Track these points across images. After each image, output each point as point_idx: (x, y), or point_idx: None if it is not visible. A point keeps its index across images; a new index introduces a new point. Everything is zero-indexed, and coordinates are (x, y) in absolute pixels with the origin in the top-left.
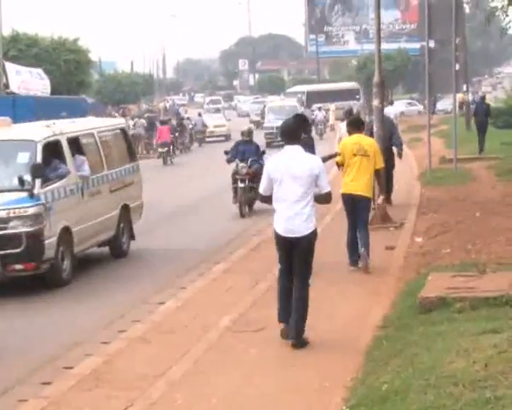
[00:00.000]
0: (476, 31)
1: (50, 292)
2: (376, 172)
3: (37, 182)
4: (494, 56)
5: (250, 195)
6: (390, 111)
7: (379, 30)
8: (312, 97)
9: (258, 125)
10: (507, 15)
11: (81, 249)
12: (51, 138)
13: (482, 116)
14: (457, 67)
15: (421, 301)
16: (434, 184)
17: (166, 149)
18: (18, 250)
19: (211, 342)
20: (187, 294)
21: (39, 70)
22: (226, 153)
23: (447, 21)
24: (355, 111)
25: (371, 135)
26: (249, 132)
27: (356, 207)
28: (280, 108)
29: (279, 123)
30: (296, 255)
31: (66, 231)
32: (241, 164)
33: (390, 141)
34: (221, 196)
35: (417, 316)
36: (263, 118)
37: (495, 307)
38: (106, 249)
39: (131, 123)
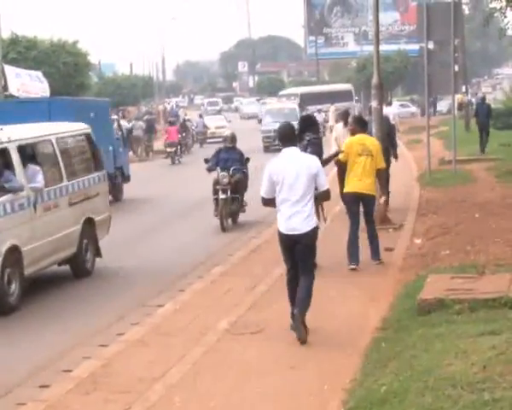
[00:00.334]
0: (475, 32)
1: None
2: (377, 171)
3: None
4: (493, 58)
5: (233, 207)
6: (389, 111)
7: (377, 32)
8: (306, 99)
9: None
10: (505, 17)
11: (34, 270)
12: None
13: (483, 117)
14: (456, 68)
15: (419, 303)
16: (434, 186)
17: (174, 148)
18: None
19: (209, 345)
20: (185, 296)
21: (38, 73)
22: (206, 161)
23: (446, 23)
24: (356, 112)
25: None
26: (232, 138)
27: (362, 205)
28: (278, 110)
29: (277, 126)
30: (299, 251)
31: (13, 251)
32: (222, 173)
33: (389, 141)
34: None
35: (416, 318)
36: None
37: (494, 308)
38: (67, 268)
39: (129, 125)
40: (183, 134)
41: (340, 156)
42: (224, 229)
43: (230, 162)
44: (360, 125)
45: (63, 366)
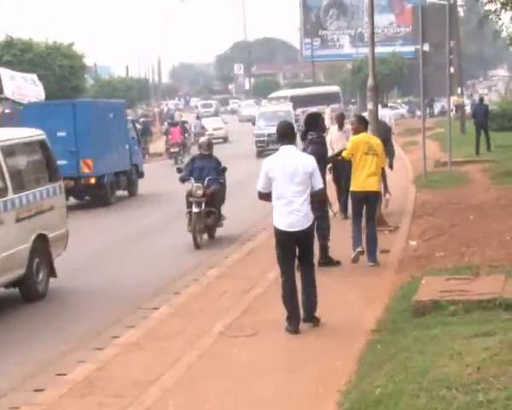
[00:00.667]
0: (470, 34)
1: None
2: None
3: None
4: (488, 59)
5: (208, 221)
6: (385, 114)
7: (372, 34)
8: (297, 102)
9: None
10: (500, 19)
11: None
12: None
13: (482, 117)
14: (452, 70)
15: (414, 304)
16: (429, 188)
17: (178, 149)
18: None
19: (204, 348)
20: (181, 299)
21: (33, 76)
22: (179, 170)
23: (441, 25)
24: (352, 115)
25: None
26: (208, 145)
27: (367, 202)
28: (272, 113)
29: (270, 130)
30: (299, 245)
31: None
32: (197, 184)
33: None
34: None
35: (411, 320)
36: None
37: (488, 309)
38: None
39: None
40: (185, 135)
41: (344, 153)
42: (197, 246)
43: (206, 171)
44: (363, 125)
45: (58, 369)
